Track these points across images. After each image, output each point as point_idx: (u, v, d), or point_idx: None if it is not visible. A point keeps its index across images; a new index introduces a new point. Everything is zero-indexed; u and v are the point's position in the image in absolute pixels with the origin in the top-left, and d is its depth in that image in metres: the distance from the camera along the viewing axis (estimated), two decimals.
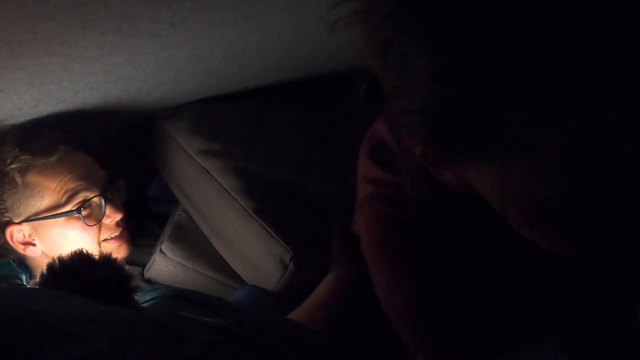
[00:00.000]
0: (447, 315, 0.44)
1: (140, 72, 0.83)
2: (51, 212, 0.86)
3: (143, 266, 1.00)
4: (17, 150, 0.84)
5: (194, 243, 0.99)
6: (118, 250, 0.93)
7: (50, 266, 0.58)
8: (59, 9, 0.55)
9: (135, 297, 0.62)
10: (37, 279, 0.60)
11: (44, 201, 0.86)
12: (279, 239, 0.87)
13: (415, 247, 0.48)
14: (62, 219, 0.86)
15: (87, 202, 0.87)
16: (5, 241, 0.87)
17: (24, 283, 0.87)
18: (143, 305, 0.71)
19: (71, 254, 0.59)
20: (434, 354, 0.45)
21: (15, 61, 0.64)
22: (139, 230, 1.04)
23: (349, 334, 0.81)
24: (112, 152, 0.99)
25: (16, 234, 0.87)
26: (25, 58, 0.64)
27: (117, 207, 0.92)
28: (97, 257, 0.60)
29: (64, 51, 0.66)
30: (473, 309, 0.45)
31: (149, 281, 1.00)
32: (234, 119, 1.05)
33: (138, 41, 0.70)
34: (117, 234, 0.93)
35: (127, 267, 0.63)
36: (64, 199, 0.86)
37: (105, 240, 0.92)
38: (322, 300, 0.84)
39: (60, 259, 0.58)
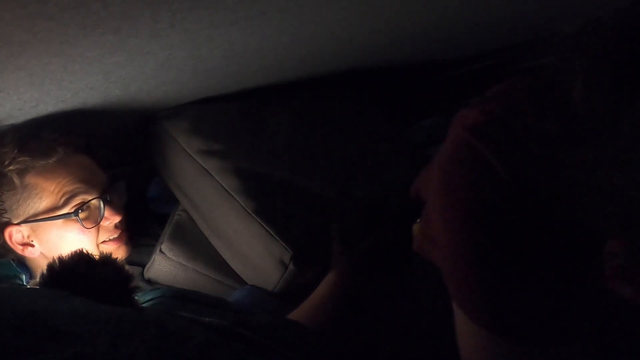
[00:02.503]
0: (509, 290, 0.40)
1: (140, 72, 0.83)
2: (49, 214, 0.86)
3: (143, 266, 1.00)
4: (16, 151, 0.84)
5: (193, 243, 0.99)
6: (117, 252, 0.93)
7: (51, 266, 0.58)
8: (59, 9, 0.55)
9: (135, 297, 0.62)
10: (37, 279, 0.60)
11: (42, 203, 0.85)
12: (278, 239, 0.87)
13: (495, 206, 0.39)
14: (60, 221, 0.86)
15: (86, 205, 0.87)
16: (5, 241, 0.87)
17: (24, 283, 0.87)
18: (143, 305, 0.71)
19: (71, 254, 0.59)
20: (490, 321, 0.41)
21: (15, 61, 0.64)
22: (139, 230, 1.04)
23: (349, 334, 0.81)
24: (112, 152, 0.99)
25: (15, 235, 0.87)
26: (25, 58, 0.64)
27: (116, 209, 0.91)
28: (97, 257, 0.60)
29: (64, 51, 0.66)
30: (534, 291, 0.41)
31: (149, 281, 1.00)
32: (234, 119, 1.05)
33: (138, 41, 0.70)
34: (115, 236, 0.93)
35: (127, 267, 0.63)
36: (62, 201, 0.86)
37: (103, 242, 0.92)
38: (322, 301, 0.84)
39: (60, 259, 0.58)
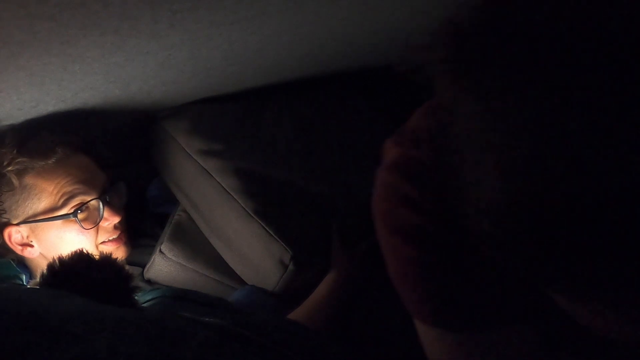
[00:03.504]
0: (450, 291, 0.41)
1: (140, 72, 0.83)
2: (48, 215, 0.86)
3: (143, 266, 1.00)
4: (15, 152, 0.84)
5: (193, 243, 0.99)
6: (116, 253, 0.93)
7: (51, 266, 0.58)
8: (59, 9, 0.55)
9: (136, 298, 0.62)
10: (37, 279, 0.60)
11: (41, 203, 0.85)
12: (278, 239, 0.87)
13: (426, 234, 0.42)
14: (59, 221, 0.86)
15: (85, 205, 0.87)
16: (4, 242, 0.87)
17: (24, 283, 0.87)
18: (143, 305, 0.71)
19: (71, 254, 0.59)
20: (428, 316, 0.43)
21: (15, 61, 0.64)
22: (139, 231, 1.04)
23: (349, 334, 0.81)
24: (112, 152, 0.99)
25: (14, 235, 0.87)
26: (25, 58, 0.64)
27: (115, 210, 0.91)
28: (97, 257, 0.60)
29: (64, 51, 0.66)
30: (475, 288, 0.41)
31: (149, 282, 1.00)
32: (234, 119, 1.05)
33: (138, 41, 0.70)
34: (115, 236, 0.93)
35: (127, 267, 0.63)
36: (61, 201, 0.86)
37: (103, 242, 0.92)
38: (322, 300, 0.84)
39: (60, 259, 0.58)
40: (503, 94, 0.29)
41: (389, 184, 0.42)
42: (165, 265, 0.98)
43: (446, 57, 0.32)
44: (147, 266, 0.99)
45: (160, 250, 0.98)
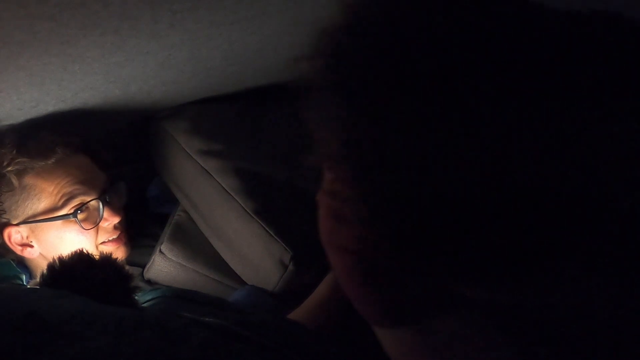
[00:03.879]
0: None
1: (140, 72, 0.83)
2: (48, 215, 0.85)
3: (143, 267, 1.00)
4: (14, 152, 0.84)
5: (193, 243, 0.99)
6: (116, 253, 0.93)
7: (51, 266, 0.58)
8: (59, 9, 0.55)
9: (136, 297, 0.62)
10: (37, 279, 0.60)
11: (41, 204, 0.85)
12: (278, 239, 0.87)
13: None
14: (59, 222, 0.86)
15: (84, 206, 0.87)
16: (4, 242, 0.87)
17: (24, 283, 0.87)
18: (143, 305, 0.71)
19: (71, 254, 0.59)
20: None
21: (15, 61, 0.64)
22: (139, 231, 1.04)
23: (349, 334, 0.81)
24: (112, 152, 0.99)
25: (14, 235, 0.87)
26: (25, 58, 0.64)
27: (115, 210, 0.91)
28: (97, 257, 0.60)
29: (64, 51, 0.66)
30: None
31: (149, 282, 1.00)
32: (234, 119, 1.05)
33: (138, 41, 0.70)
34: (115, 236, 0.93)
35: (127, 267, 0.63)
36: (61, 202, 0.86)
37: (103, 243, 0.91)
38: (322, 300, 0.84)
39: (60, 259, 0.58)
40: (364, 103, 0.31)
41: (324, 204, 0.44)
42: (165, 265, 0.98)
43: (322, 66, 0.34)
44: (147, 266, 0.99)
45: (160, 250, 0.98)
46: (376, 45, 0.31)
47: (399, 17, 0.31)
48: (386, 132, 0.30)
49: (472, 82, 0.28)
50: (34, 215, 0.86)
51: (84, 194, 0.87)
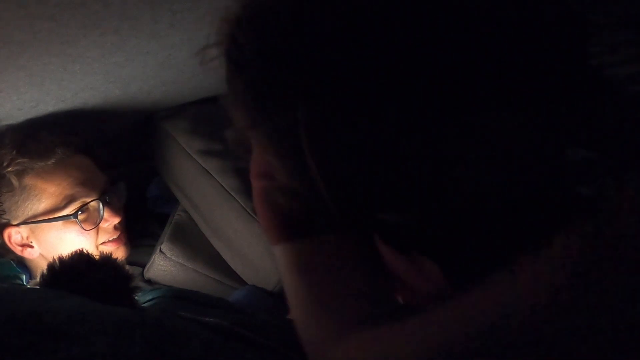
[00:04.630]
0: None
1: (140, 72, 0.83)
2: (48, 216, 0.85)
3: (143, 266, 1.00)
4: (14, 152, 0.83)
5: (193, 243, 0.99)
6: (116, 253, 0.93)
7: (51, 266, 0.58)
8: (59, 9, 0.55)
9: (136, 298, 0.62)
10: (37, 279, 0.60)
11: (42, 204, 0.85)
12: None
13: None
14: (59, 222, 0.86)
15: (85, 207, 0.87)
16: (4, 242, 0.87)
17: (24, 283, 0.87)
18: (143, 305, 0.71)
19: (72, 254, 0.59)
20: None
21: (15, 61, 0.64)
22: (139, 230, 1.04)
23: None
24: (112, 152, 0.99)
25: (14, 236, 0.87)
26: (25, 58, 0.64)
27: (115, 210, 0.91)
28: (97, 257, 0.60)
29: (64, 51, 0.66)
30: None
31: (149, 281, 1.00)
32: None
33: (138, 41, 0.70)
34: (115, 237, 0.92)
35: (127, 267, 0.63)
36: (62, 203, 0.86)
37: (103, 243, 0.91)
38: None
39: (61, 259, 0.58)
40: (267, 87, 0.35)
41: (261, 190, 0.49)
42: (165, 265, 0.98)
43: (227, 49, 0.37)
44: (147, 266, 0.99)
45: (160, 250, 0.98)
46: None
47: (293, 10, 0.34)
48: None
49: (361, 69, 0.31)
50: (34, 216, 0.86)
51: (85, 195, 0.87)
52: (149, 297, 0.74)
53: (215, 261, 0.97)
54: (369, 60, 0.31)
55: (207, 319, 0.54)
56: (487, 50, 0.32)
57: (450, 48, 0.31)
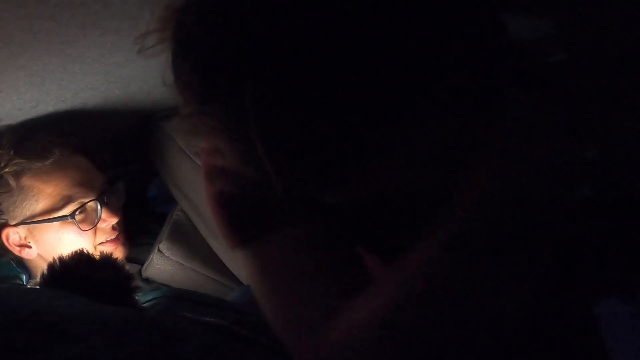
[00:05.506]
0: None
1: (140, 72, 0.83)
2: (46, 216, 0.85)
3: (142, 264, 1.00)
4: (11, 153, 0.83)
5: (191, 243, 0.99)
6: (115, 253, 0.93)
7: (51, 266, 0.58)
8: (59, 9, 0.55)
9: (136, 298, 0.62)
10: (37, 279, 0.59)
11: (39, 205, 0.85)
12: None
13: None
14: (57, 223, 0.86)
15: (82, 207, 0.87)
16: (2, 243, 0.87)
17: (24, 283, 0.86)
18: (144, 305, 0.71)
19: (72, 254, 0.59)
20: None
21: (15, 61, 0.64)
22: (139, 230, 1.04)
23: None
24: (112, 152, 0.99)
25: (12, 236, 0.87)
26: (25, 58, 0.64)
27: (113, 210, 0.91)
28: (97, 257, 0.60)
29: (64, 51, 0.66)
30: None
31: (147, 280, 1.00)
32: None
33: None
34: (113, 237, 0.92)
35: (127, 267, 0.63)
36: (60, 204, 0.85)
37: (101, 243, 0.91)
38: None
39: (61, 259, 0.58)
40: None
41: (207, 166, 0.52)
42: (164, 264, 0.98)
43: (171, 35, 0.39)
44: (146, 265, 0.99)
45: (158, 249, 0.98)
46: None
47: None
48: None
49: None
50: (32, 216, 0.85)
51: (82, 196, 0.87)
52: (149, 297, 0.74)
53: (212, 261, 0.98)
54: (316, 38, 0.33)
55: (207, 318, 0.54)
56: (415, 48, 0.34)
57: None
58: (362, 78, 0.33)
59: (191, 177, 0.97)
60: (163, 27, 0.39)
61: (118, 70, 0.79)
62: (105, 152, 0.97)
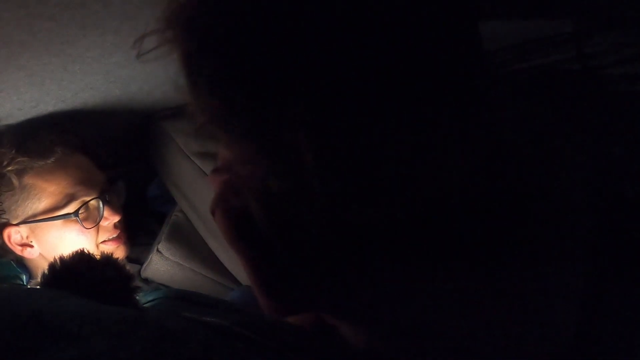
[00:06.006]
0: None
1: (140, 72, 0.83)
2: (48, 215, 0.85)
3: (142, 264, 1.00)
4: (14, 151, 0.84)
5: (190, 243, 0.99)
6: (116, 252, 0.93)
7: (52, 266, 0.58)
8: (59, 9, 0.55)
9: (137, 298, 0.62)
10: (37, 279, 0.59)
11: (42, 204, 0.85)
12: None
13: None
14: (59, 221, 0.86)
15: (85, 205, 0.87)
16: (4, 242, 0.87)
17: (24, 283, 0.87)
18: (144, 305, 0.71)
19: (72, 254, 0.59)
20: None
21: (15, 61, 0.64)
22: (139, 229, 1.04)
23: (331, 333, 0.81)
24: (112, 152, 0.99)
25: (14, 236, 0.87)
26: (25, 58, 0.64)
27: (115, 209, 0.91)
28: (98, 257, 0.60)
29: (64, 51, 0.66)
30: None
31: (146, 280, 1.00)
32: None
33: None
34: (114, 235, 0.93)
35: (128, 267, 0.63)
36: (62, 202, 0.86)
37: (103, 242, 0.91)
38: None
39: (61, 259, 0.58)
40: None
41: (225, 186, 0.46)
42: (163, 264, 0.98)
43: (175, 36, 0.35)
44: (145, 265, 0.99)
45: (157, 250, 0.98)
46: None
47: None
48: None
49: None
50: (34, 215, 0.86)
51: (85, 194, 0.88)
52: (150, 298, 0.74)
53: (211, 261, 0.98)
54: (388, 36, 0.30)
55: (207, 319, 0.54)
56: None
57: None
58: (432, 82, 0.31)
59: (190, 178, 0.97)
60: (169, 25, 0.35)
61: (118, 70, 0.79)
62: (106, 152, 0.97)
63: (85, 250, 0.61)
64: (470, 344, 0.36)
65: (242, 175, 0.38)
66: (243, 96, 0.32)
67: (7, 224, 0.86)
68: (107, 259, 0.60)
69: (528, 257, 0.35)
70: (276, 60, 0.31)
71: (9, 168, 0.84)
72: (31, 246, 0.87)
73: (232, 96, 0.33)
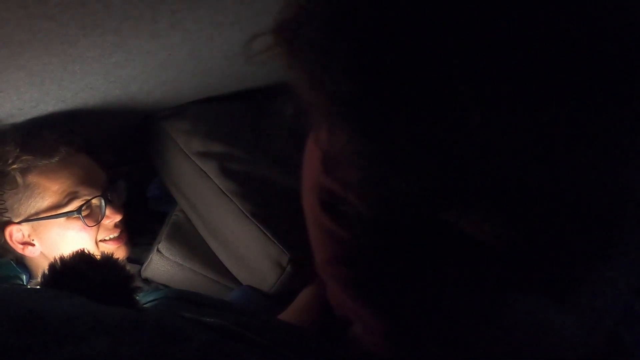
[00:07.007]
0: None
1: (140, 72, 0.83)
2: (51, 213, 0.86)
3: (142, 264, 1.00)
4: (18, 150, 0.84)
5: (191, 243, 0.99)
6: (117, 252, 0.93)
7: (52, 266, 0.58)
8: (59, 9, 0.55)
9: (137, 298, 0.62)
10: (37, 279, 0.59)
11: (45, 202, 0.86)
12: (276, 242, 0.87)
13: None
14: (61, 219, 0.86)
15: (87, 203, 0.88)
16: (5, 241, 0.87)
17: (24, 283, 0.87)
18: (145, 306, 0.71)
19: (73, 254, 0.59)
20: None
21: (15, 61, 0.64)
22: (139, 229, 1.04)
23: (335, 335, 0.81)
24: (112, 152, 0.99)
25: (15, 234, 0.87)
26: (25, 58, 0.64)
27: (116, 208, 0.92)
28: (98, 257, 0.60)
29: (64, 51, 0.66)
30: None
31: (146, 280, 1.00)
32: (234, 120, 1.05)
33: (138, 41, 0.70)
34: (115, 235, 0.93)
35: (128, 267, 0.63)
36: (65, 200, 0.86)
37: (104, 241, 0.92)
38: (309, 303, 0.83)
39: (62, 259, 0.58)
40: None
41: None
42: (163, 264, 0.98)
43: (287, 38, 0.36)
44: (145, 265, 0.99)
45: (157, 250, 0.98)
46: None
47: None
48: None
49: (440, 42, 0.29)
50: (37, 213, 0.86)
51: (87, 192, 0.88)
52: (150, 298, 0.74)
53: (212, 261, 0.98)
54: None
55: (208, 319, 0.54)
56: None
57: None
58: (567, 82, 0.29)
59: (190, 178, 0.97)
60: (292, 18, 0.34)
61: (118, 70, 0.79)
62: (107, 152, 0.97)
63: (86, 251, 0.61)
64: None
65: (354, 169, 0.37)
66: (378, 82, 0.31)
67: (9, 222, 0.86)
68: (108, 259, 0.60)
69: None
70: (454, 55, 0.29)
71: (14, 166, 0.84)
72: (32, 245, 0.88)
73: (369, 82, 0.31)
